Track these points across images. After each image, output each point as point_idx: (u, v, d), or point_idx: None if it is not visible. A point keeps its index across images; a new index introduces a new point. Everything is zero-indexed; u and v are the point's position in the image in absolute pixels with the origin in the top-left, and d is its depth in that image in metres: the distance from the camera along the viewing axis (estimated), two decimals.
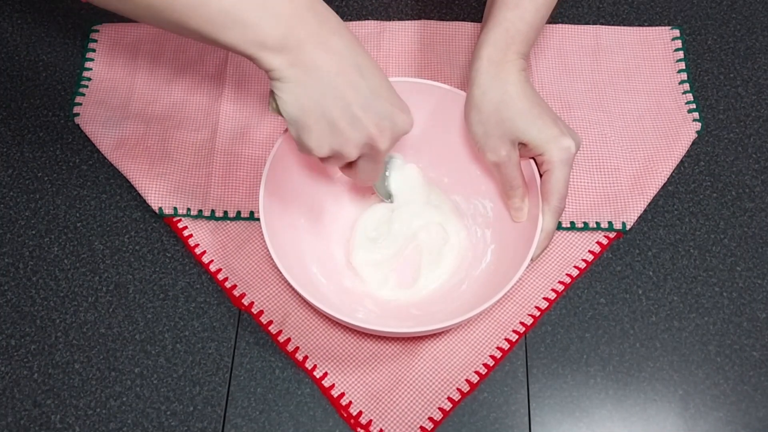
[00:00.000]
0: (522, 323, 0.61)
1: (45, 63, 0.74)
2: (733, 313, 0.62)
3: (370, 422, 0.57)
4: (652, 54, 0.74)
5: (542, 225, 0.55)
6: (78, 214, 0.66)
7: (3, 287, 0.63)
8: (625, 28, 0.75)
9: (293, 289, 0.52)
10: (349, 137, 0.47)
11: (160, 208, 0.65)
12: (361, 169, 0.52)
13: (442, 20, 0.76)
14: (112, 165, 0.68)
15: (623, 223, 0.64)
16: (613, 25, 0.76)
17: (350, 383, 0.58)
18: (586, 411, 0.58)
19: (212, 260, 0.63)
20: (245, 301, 0.61)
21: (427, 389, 0.58)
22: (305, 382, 0.59)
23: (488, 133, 0.56)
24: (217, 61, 0.73)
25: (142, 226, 0.65)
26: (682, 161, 0.68)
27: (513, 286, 0.52)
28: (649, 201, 0.66)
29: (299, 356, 0.59)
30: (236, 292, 0.62)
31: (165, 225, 0.66)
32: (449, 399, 0.58)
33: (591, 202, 0.66)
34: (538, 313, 0.61)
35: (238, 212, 0.65)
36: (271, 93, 0.48)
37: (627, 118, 0.70)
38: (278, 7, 0.44)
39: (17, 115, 0.71)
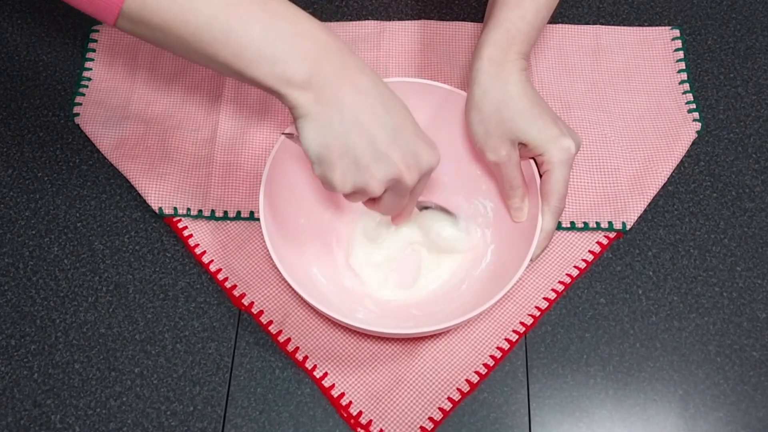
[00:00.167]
0: (522, 323, 0.61)
1: (45, 63, 0.74)
2: (733, 313, 0.62)
3: (370, 422, 0.57)
4: (652, 54, 0.74)
5: (542, 225, 0.55)
6: (78, 214, 0.66)
7: (3, 287, 0.63)
8: (625, 28, 0.75)
9: (293, 289, 0.52)
10: (374, 173, 0.47)
11: (160, 208, 0.65)
12: (385, 203, 0.51)
13: (442, 20, 0.76)
14: (112, 165, 0.68)
15: (623, 223, 0.64)
16: (613, 25, 0.76)
17: (350, 383, 0.58)
18: (586, 411, 0.58)
19: (212, 260, 0.63)
20: (245, 301, 0.61)
21: (427, 389, 0.58)
22: (305, 382, 0.59)
23: (488, 133, 0.56)
24: None
25: (142, 226, 0.65)
26: (682, 161, 0.68)
27: (513, 286, 0.52)
28: (649, 201, 0.66)
29: (299, 356, 0.59)
30: (236, 292, 0.62)
31: (165, 225, 0.66)
32: (449, 399, 0.58)
33: (591, 202, 0.66)
34: (538, 313, 0.61)
35: (238, 212, 0.65)
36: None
37: (627, 118, 0.70)
38: (306, 45, 0.44)
39: (17, 115, 0.71)
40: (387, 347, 0.60)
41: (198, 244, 0.64)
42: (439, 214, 0.63)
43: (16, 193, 0.67)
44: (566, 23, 0.75)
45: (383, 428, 0.57)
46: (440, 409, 0.57)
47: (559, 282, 0.62)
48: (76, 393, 0.58)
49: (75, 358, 0.60)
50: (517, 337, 0.60)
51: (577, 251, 0.64)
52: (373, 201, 0.52)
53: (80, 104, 0.71)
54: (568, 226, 0.65)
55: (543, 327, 0.61)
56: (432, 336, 0.60)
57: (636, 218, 0.65)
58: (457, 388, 0.58)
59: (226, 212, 0.65)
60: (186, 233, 0.64)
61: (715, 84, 0.73)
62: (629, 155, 0.68)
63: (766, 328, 0.61)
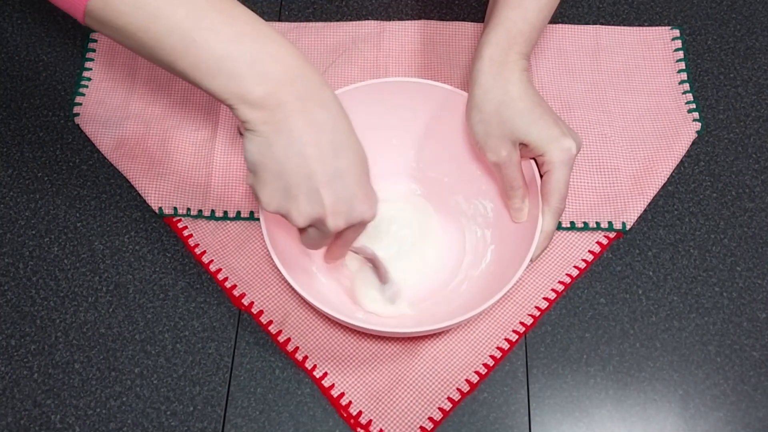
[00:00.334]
0: (522, 323, 0.61)
1: (45, 63, 0.74)
2: (733, 313, 0.62)
3: (370, 422, 0.57)
4: (652, 54, 0.74)
5: (542, 225, 0.55)
6: (78, 214, 0.66)
7: (3, 287, 0.63)
8: (625, 28, 0.75)
9: (293, 289, 0.52)
10: (300, 206, 0.46)
11: (160, 208, 0.65)
12: (307, 236, 0.50)
13: (443, 20, 0.76)
14: (112, 165, 0.68)
15: (623, 223, 0.64)
16: (613, 25, 0.76)
17: (350, 383, 0.58)
18: (586, 411, 0.58)
19: (212, 260, 0.63)
20: (245, 301, 0.61)
21: (427, 389, 0.58)
22: (305, 382, 0.59)
23: (489, 133, 0.56)
24: None
25: (142, 226, 0.65)
26: (682, 161, 0.68)
27: (513, 286, 0.52)
28: (649, 201, 0.66)
29: (299, 356, 0.59)
30: (236, 292, 0.62)
31: (165, 225, 0.66)
32: (449, 399, 0.58)
33: (591, 202, 0.66)
34: (538, 313, 0.61)
35: (238, 212, 0.65)
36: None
37: (627, 118, 0.70)
38: (269, 67, 0.43)
39: (17, 115, 0.71)
40: (387, 347, 0.60)
41: (198, 244, 0.64)
42: (371, 275, 0.60)
43: (16, 193, 0.67)
44: (566, 23, 0.75)
45: (383, 428, 0.57)
46: (440, 409, 0.57)
47: (559, 282, 0.62)
48: (76, 393, 0.58)
49: (75, 358, 0.60)
50: (517, 337, 0.60)
51: (577, 251, 0.64)
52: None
53: (80, 104, 0.71)
54: (568, 226, 0.65)
55: (543, 327, 0.61)
56: (432, 336, 0.60)
57: (636, 218, 0.65)
58: (457, 388, 0.58)
59: (226, 212, 0.65)
60: (186, 233, 0.64)
61: (715, 84, 0.73)
62: (629, 155, 0.68)
63: (766, 328, 0.61)
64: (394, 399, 0.58)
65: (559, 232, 0.64)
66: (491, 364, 0.59)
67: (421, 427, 0.57)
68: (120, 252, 0.64)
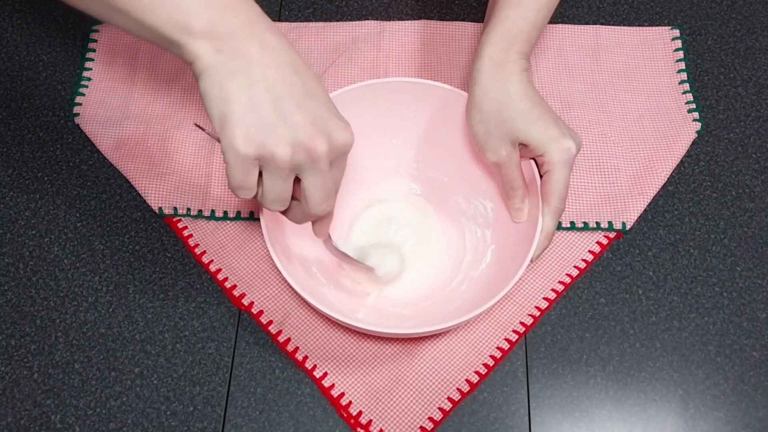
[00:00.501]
0: (522, 323, 0.61)
1: (45, 63, 0.74)
2: (733, 313, 0.62)
3: (370, 422, 0.57)
4: (652, 54, 0.74)
5: (542, 225, 0.55)
6: (78, 214, 0.66)
7: (3, 287, 0.63)
8: (625, 28, 0.75)
9: (293, 289, 0.52)
10: (281, 133, 0.41)
11: (160, 208, 0.65)
12: (308, 191, 0.45)
13: (443, 20, 0.76)
14: (112, 165, 0.68)
15: (623, 223, 0.64)
16: (613, 25, 0.76)
17: (350, 383, 0.58)
18: (586, 411, 0.58)
19: (212, 260, 0.63)
20: (245, 301, 0.61)
21: (427, 389, 0.58)
22: (305, 382, 0.59)
23: (489, 133, 0.56)
24: None
25: (142, 226, 0.65)
26: (682, 161, 0.68)
27: (513, 287, 0.52)
28: (649, 201, 0.66)
29: (299, 356, 0.59)
30: (236, 292, 0.62)
31: (165, 225, 0.66)
32: (449, 399, 0.58)
33: (591, 202, 0.66)
34: (538, 313, 0.61)
35: (238, 212, 0.65)
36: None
37: (627, 118, 0.70)
38: None
39: (17, 115, 0.71)
40: (387, 347, 0.60)
41: (198, 244, 0.64)
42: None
43: (16, 193, 0.67)
44: (566, 23, 0.75)
45: (383, 428, 0.57)
46: (440, 409, 0.57)
47: (559, 282, 0.62)
48: (76, 393, 0.58)
49: (75, 358, 0.60)
50: (517, 337, 0.60)
51: (577, 251, 0.64)
52: (287, 210, 0.48)
53: (80, 104, 0.71)
54: (568, 226, 0.65)
55: (543, 327, 0.61)
56: (432, 336, 0.60)
57: (636, 218, 0.65)
58: (457, 388, 0.58)
59: (226, 212, 0.65)
60: (186, 233, 0.64)
61: (715, 84, 0.73)
62: (629, 155, 0.68)
63: (766, 328, 0.61)
64: (394, 399, 0.58)
65: (559, 232, 0.64)
66: (491, 364, 0.59)
67: (421, 427, 0.57)
68: (120, 252, 0.64)
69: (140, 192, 0.66)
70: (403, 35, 0.74)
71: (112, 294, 0.62)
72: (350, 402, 0.58)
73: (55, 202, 0.67)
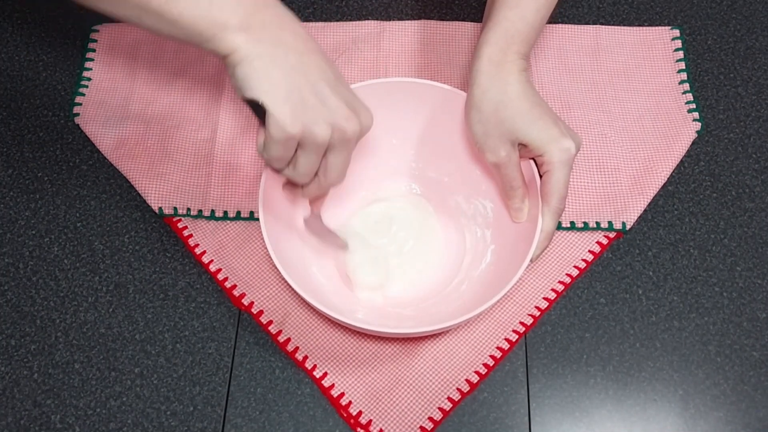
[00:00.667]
0: (522, 323, 0.61)
1: (45, 63, 0.74)
2: (733, 313, 0.62)
3: (370, 422, 0.57)
4: (652, 54, 0.74)
5: (542, 225, 0.55)
6: (78, 214, 0.66)
7: (3, 287, 0.63)
8: (625, 28, 0.75)
9: (293, 289, 0.52)
10: (321, 114, 0.45)
11: (160, 208, 0.65)
12: (332, 166, 0.49)
13: (442, 20, 0.76)
14: (112, 165, 0.68)
15: (623, 223, 0.64)
16: (613, 25, 0.76)
17: (350, 383, 0.58)
18: (586, 411, 0.58)
19: (212, 260, 0.63)
20: (245, 301, 0.61)
21: (427, 389, 0.58)
22: (305, 382, 0.59)
23: (488, 134, 0.56)
24: (217, 62, 0.73)
25: (142, 226, 0.65)
26: (682, 161, 0.68)
27: (513, 287, 0.52)
28: (649, 201, 0.66)
29: (299, 356, 0.59)
30: (236, 292, 0.62)
31: (165, 225, 0.66)
32: (449, 399, 0.58)
33: (591, 202, 0.66)
34: (538, 313, 0.61)
35: (238, 212, 0.65)
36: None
37: (627, 118, 0.70)
38: None
39: (17, 115, 0.71)
40: (387, 347, 0.60)
41: (198, 244, 0.64)
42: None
43: (16, 193, 0.67)
44: (566, 23, 0.75)
45: (383, 428, 0.57)
46: (440, 409, 0.57)
47: (559, 282, 0.62)
48: (76, 393, 0.58)
49: (75, 358, 0.60)
50: (517, 337, 0.60)
51: (577, 251, 0.64)
52: (294, 186, 0.51)
53: (80, 104, 0.71)
54: (568, 226, 0.65)
55: (543, 327, 0.61)
56: (432, 336, 0.60)
57: (636, 218, 0.65)
58: (457, 388, 0.58)
59: (226, 212, 0.65)
60: (186, 233, 0.64)
61: (715, 84, 0.73)
62: (629, 155, 0.68)
63: (766, 328, 0.61)
64: (394, 399, 0.58)
65: (559, 232, 0.64)
66: (491, 364, 0.59)
67: (421, 427, 0.57)
68: (120, 252, 0.64)
69: (140, 192, 0.66)
70: (403, 35, 0.74)
71: (112, 294, 0.62)
72: (350, 402, 0.58)
73: (55, 202, 0.67)
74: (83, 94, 0.71)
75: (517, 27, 0.56)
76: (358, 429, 0.57)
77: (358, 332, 0.60)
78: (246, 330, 0.61)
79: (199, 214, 0.65)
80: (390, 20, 0.76)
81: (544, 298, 0.62)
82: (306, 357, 0.59)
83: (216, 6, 0.43)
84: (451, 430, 0.57)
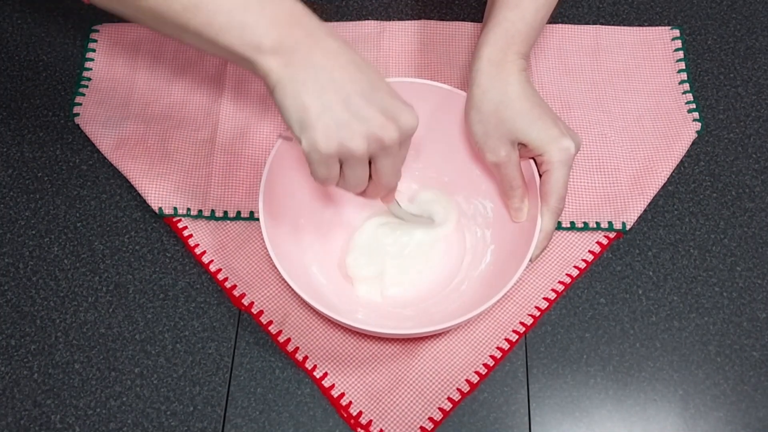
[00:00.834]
0: (522, 323, 0.61)
1: (45, 63, 0.74)
2: (733, 313, 0.62)
3: (370, 422, 0.57)
4: (652, 54, 0.74)
5: (541, 225, 0.55)
6: (78, 214, 0.66)
7: (3, 287, 0.63)
8: (625, 28, 0.75)
9: (293, 289, 0.52)
10: (355, 129, 0.46)
11: (160, 208, 0.65)
12: (381, 171, 0.50)
13: (442, 20, 0.76)
14: (112, 165, 0.68)
15: (623, 223, 0.64)
16: (613, 25, 0.76)
17: (350, 383, 0.58)
18: (586, 411, 0.58)
19: (212, 260, 0.63)
20: (245, 302, 0.61)
21: (427, 389, 0.58)
22: (305, 382, 0.59)
23: (488, 134, 0.56)
24: (217, 62, 0.73)
25: (142, 226, 0.65)
26: (682, 161, 0.68)
27: (513, 286, 0.52)
28: (649, 201, 0.66)
29: (299, 356, 0.59)
30: (236, 293, 0.62)
31: (165, 225, 0.66)
32: (449, 399, 0.58)
33: (591, 202, 0.66)
34: (538, 313, 0.61)
35: (238, 212, 0.65)
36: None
37: (627, 118, 0.70)
38: (275, 12, 0.45)
39: (17, 115, 0.71)
40: (387, 347, 0.60)
41: (198, 244, 0.64)
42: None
43: (16, 193, 0.67)
44: (566, 23, 0.75)
45: (383, 428, 0.57)
46: (440, 409, 0.57)
47: (559, 282, 0.62)
48: (76, 393, 0.58)
49: (75, 358, 0.60)
50: (517, 337, 0.60)
51: (577, 251, 0.64)
52: (367, 184, 0.51)
53: (80, 104, 0.71)
54: (568, 226, 0.65)
55: (543, 327, 0.61)
56: (432, 336, 0.60)
57: (636, 218, 0.65)
58: (457, 388, 0.58)
59: (226, 212, 0.65)
60: (186, 233, 0.64)
61: (715, 84, 0.73)
62: (629, 155, 0.68)
63: (766, 328, 0.61)
64: (395, 399, 0.58)
65: (559, 232, 0.64)
66: (491, 364, 0.59)
67: (421, 428, 0.57)
68: (120, 252, 0.64)
69: (140, 192, 0.66)
70: (403, 35, 0.74)
71: (112, 294, 0.62)
72: (350, 402, 0.58)
73: (55, 202, 0.67)
74: (83, 94, 0.71)
75: (518, 27, 0.56)
76: (359, 429, 0.57)
77: (358, 332, 0.60)
78: (246, 330, 0.61)
79: (199, 214, 0.65)
80: (390, 20, 0.76)
81: (544, 298, 0.62)
82: (306, 357, 0.59)
83: (249, 30, 0.44)
84: (451, 430, 0.57)
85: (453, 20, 0.76)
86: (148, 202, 0.65)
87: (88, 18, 0.76)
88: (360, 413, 0.57)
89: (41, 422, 0.57)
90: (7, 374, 0.59)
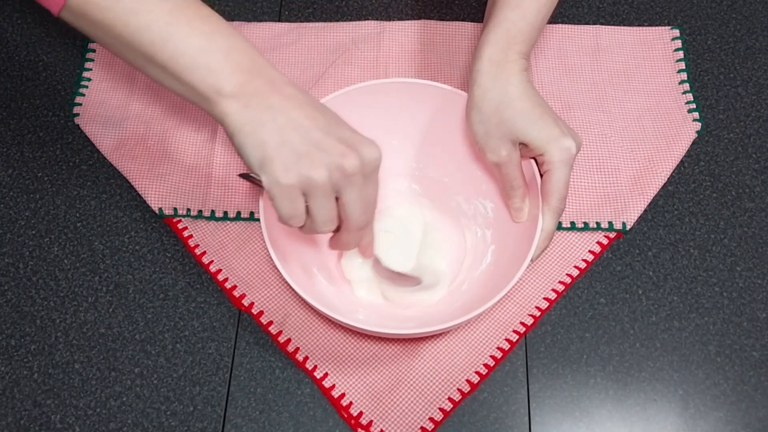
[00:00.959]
0: (522, 323, 0.61)
1: (45, 63, 0.74)
2: (733, 313, 0.62)
3: (370, 423, 0.57)
4: (652, 54, 0.74)
5: (542, 225, 0.55)
6: (78, 214, 0.66)
7: (3, 287, 0.63)
8: (625, 28, 0.75)
9: (293, 290, 0.52)
10: (315, 158, 0.46)
11: (160, 209, 0.65)
12: (348, 206, 0.49)
13: (442, 20, 0.76)
14: (112, 165, 0.68)
15: (623, 223, 0.64)
16: (613, 25, 0.76)
17: (351, 384, 0.58)
18: (586, 411, 0.58)
19: (212, 261, 0.63)
20: (245, 302, 0.61)
21: (428, 390, 0.58)
22: (305, 383, 0.59)
23: (489, 133, 0.56)
24: None
25: (142, 226, 0.65)
26: (682, 161, 0.68)
27: (513, 287, 0.52)
28: (649, 201, 0.66)
29: (300, 357, 0.59)
30: (236, 293, 0.62)
31: (165, 225, 0.66)
32: (450, 399, 0.58)
33: (591, 202, 0.66)
34: (539, 313, 0.61)
35: (238, 212, 0.65)
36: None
37: (627, 118, 0.70)
38: (240, 59, 0.46)
39: (17, 115, 0.71)
40: (387, 348, 0.60)
41: (198, 245, 0.64)
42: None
43: (16, 193, 0.67)
44: (566, 23, 0.75)
45: (384, 429, 0.57)
46: (441, 409, 0.57)
47: (559, 282, 0.62)
48: (76, 393, 0.58)
49: (75, 358, 0.60)
50: (517, 337, 0.60)
51: (577, 251, 0.64)
52: (337, 240, 0.52)
53: (80, 104, 0.71)
54: (568, 226, 0.65)
55: (543, 327, 0.61)
56: (432, 336, 0.60)
57: (636, 218, 0.65)
58: (458, 389, 0.58)
59: (226, 212, 0.65)
60: (186, 234, 0.64)
61: (715, 84, 0.73)
62: (629, 155, 0.68)
63: (766, 328, 0.61)
64: (395, 399, 0.58)
65: (559, 232, 0.64)
66: (492, 364, 0.59)
67: (421, 428, 0.57)
68: (120, 252, 0.64)
69: (140, 192, 0.66)
70: (402, 35, 0.74)
71: (112, 294, 0.62)
72: (351, 402, 0.58)
73: (55, 202, 0.66)
74: (83, 94, 0.71)
75: (519, 27, 0.56)
76: (359, 430, 0.57)
77: (358, 333, 0.60)
78: (246, 330, 0.61)
79: (199, 215, 0.65)
80: (390, 20, 0.76)
81: (544, 298, 0.62)
82: (306, 358, 0.59)
83: (213, 72, 0.46)
84: (451, 430, 0.57)
85: (453, 20, 0.76)
86: (148, 202, 0.65)
87: None
88: (360, 413, 0.57)
89: (41, 422, 0.57)
90: (7, 374, 0.59)
